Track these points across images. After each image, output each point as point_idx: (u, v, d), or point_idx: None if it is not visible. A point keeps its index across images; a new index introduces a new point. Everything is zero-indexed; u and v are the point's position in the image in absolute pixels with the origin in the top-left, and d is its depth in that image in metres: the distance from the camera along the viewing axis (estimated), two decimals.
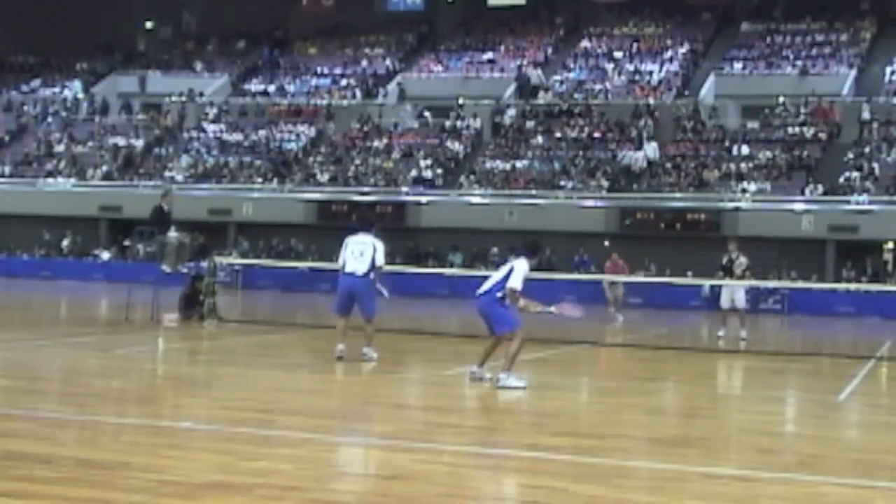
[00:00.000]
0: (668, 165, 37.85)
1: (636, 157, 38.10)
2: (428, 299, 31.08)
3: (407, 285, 32.19)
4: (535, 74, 43.84)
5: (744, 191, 35.53)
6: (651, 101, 41.31)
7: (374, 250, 13.60)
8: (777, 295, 32.01)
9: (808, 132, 38.26)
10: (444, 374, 13.31)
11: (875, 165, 35.84)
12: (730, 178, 36.39)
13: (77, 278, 36.88)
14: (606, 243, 22.96)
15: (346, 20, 50.28)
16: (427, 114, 42.98)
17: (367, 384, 12.49)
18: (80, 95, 49.05)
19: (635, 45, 45.74)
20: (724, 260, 20.27)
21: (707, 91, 41.90)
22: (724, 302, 20.18)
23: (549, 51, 47.25)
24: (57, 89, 50.02)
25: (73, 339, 15.97)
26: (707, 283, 30.72)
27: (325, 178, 40.02)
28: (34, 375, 12.12)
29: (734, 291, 20.06)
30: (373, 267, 13.61)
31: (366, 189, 38.66)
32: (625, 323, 24.11)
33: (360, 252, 13.61)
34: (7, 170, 43.83)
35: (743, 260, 20.06)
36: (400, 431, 9.05)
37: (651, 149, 38.38)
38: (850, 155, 36.79)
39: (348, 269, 13.61)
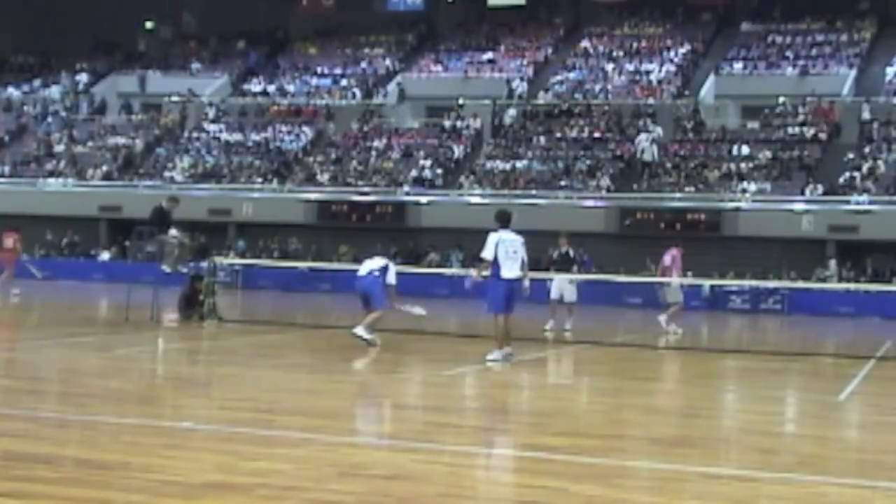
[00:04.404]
0: (669, 165, 37.86)
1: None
2: (428, 299, 31.01)
3: (407, 285, 32.15)
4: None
5: (744, 191, 35.52)
6: (651, 101, 41.30)
7: (387, 269, 15.94)
8: (777, 295, 32.01)
9: (808, 132, 38.24)
10: (444, 374, 13.31)
11: (875, 165, 35.83)
12: (730, 178, 36.39)
13: (77, 278, 36.84)
14: None
15: (346, 20, 50.26)
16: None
17: (367, 384, 12.47)
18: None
19: (635, 45, 45.71)
20: (556, 254, 20.80)
21: (707, 91, 41.88)
22: (554, 294, 20.46)
23: (549, 51, 47.23)
24: (56, 88, 49.97)
25: (73, 339, 15.95)
26: (707, 282, 30.79)
27: (325, 178, 40.01)
28: (34, 375, 12.11)
29: (564, 285, 20.40)
30: (384, 270, 15.84)
31: (366, 189, 38.64)
32: (625, 323, 23.98)
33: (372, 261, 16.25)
34: (7, 170, 43.82)
35: (572, 253, 20.74)
36: (400, 431, 9.04)
37: (651, 148, 38.35)
38: (850, 155, 36.78)
39: (361, 273, 15.91)
